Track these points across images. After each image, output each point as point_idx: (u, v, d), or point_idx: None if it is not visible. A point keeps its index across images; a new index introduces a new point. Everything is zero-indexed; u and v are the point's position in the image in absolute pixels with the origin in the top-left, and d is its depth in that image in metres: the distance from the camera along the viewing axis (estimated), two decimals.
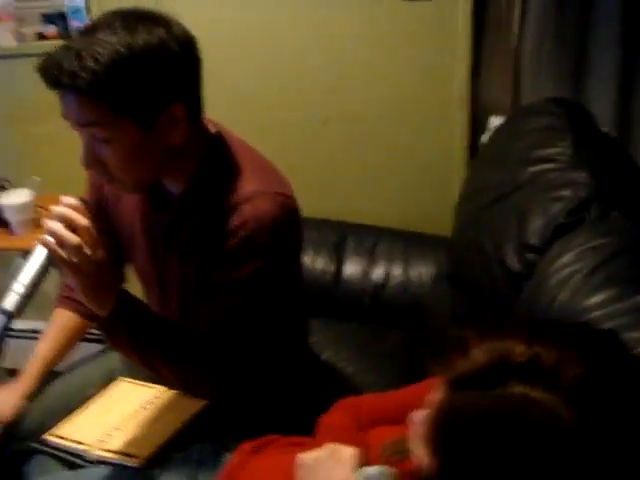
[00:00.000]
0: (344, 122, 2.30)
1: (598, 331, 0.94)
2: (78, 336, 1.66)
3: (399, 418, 1.18)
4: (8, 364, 2.23)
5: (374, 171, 2.34)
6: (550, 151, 1.60)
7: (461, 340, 0.87)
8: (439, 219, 2.29)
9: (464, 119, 2.23)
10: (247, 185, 1.31)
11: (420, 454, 0.90)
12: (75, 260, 1.18)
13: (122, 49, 1.17)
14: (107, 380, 1.61)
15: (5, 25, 2.39)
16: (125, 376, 1.62)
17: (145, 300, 1.53)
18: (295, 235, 1.39)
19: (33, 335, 2.58)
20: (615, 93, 2.08)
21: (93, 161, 1.26)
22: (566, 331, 0.87)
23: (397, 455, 1.03)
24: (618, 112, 2.08)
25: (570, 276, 1.19)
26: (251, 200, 1.28)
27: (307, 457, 1.05)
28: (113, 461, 1.39)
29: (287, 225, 1.32)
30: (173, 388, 1.55)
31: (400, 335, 1.97)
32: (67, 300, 1.65)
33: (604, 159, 1.58)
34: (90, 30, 1.21)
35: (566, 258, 1.23)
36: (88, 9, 2.34)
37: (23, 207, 2.04)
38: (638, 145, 2.06)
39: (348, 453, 1.02)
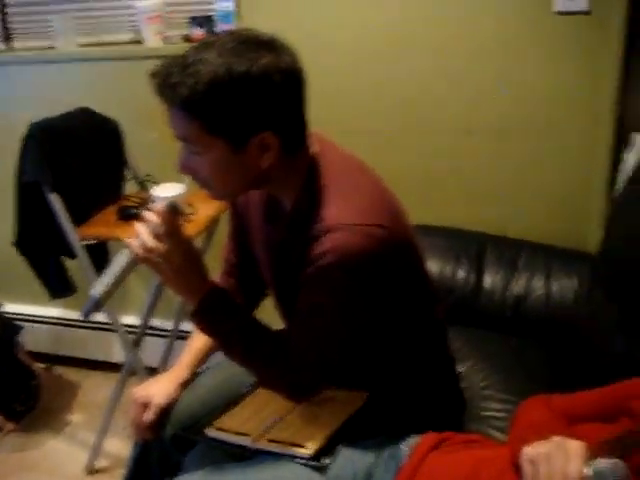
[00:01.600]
0: (487, 134, 2.28)
1: None
2: None
3: (602, 415, 1.17)
4: (148, 362, 2.30)
5: (515, 185, 2.32)
6: None
7: None
8: (579, 235, 2.28)
9: (609, 135, 2.20)
10: (332, 215, 1.30)
11: None
12: (154, 260, 1.32)
13: (223, 71, 1.20)
14: None
15: (153, 27, 2.47)
16: None
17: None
18: (388, 265, 1.34)
19: (167, 334, 2.66)
20: None
21: (187, 169, 1.33)
22: None
23: (620, 452, 1.01)
24: None
25: None
26: (332, 232, 1.28)
27: (535, 452, 1.02)
28: (281, 451, 1.38)
29: (371, 258, 1.29)
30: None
31: (544, 347, 1.95)
32: None
33: None
34: (203, 46, 1.25)
35: None
36: (238, 13, 2.39)
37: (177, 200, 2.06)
38: None
39: (578, 446, 1.00)
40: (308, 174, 1.36)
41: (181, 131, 1.28)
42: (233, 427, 1.47)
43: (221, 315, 1.40)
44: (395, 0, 2.27)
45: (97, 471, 2.41)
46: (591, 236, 2.23)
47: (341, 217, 1.29)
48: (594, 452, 1.00)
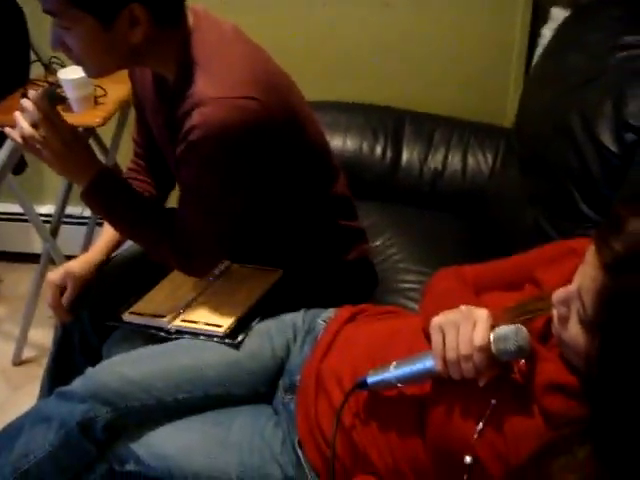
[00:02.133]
0: (403, 5, 2.23)
1: None
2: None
3: (510, 284, 1.21)
4: (69, 251, 2.26)
5: (432, 58, 2.29)
6: (636, 37, 1.59)
7: (614, 218, 0.86)
8: (494, 109, 2.28)
9: (527, 9, 2.18)
10: (199, 90, 1.30)
11: (574, 332, 0.92)
12: (37, 146, 1.36)
13: None
14: None
15: None
16: None
17: None
18: (262, 135, 1.34)
19: (86, 221, 2.61)
20: None
21: (58, 44, 1.32)
22: None
23: (522, 317, 1.05)
24: None
25: None
26: (200, 106, 1.28)
27: (442, 320, 1.04)
28: (197, 331, 1.40)
29: (242, 130, 1.29)
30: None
31: (460, 221, 1.99)
32: (134, 181, 1.65)
33: None
34: None
35: None
36: None
37: (82, 82, 1.99)
38: None
39: (483, 314, 1.02)
40: (182, 49, 1.34)
41: (48, 4, 1.26)
42: (149, 310, 1.48)
43: (108, 195, 1.44)
44: None
45: (24, 362, 2.41)
46: (509, 111, 2.25)
47: (209, 91, 1.29)
48: (498, 318, 1.04)
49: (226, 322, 1.41)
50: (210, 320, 1.42)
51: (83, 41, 1.29)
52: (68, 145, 1.38)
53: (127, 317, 1.47)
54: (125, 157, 1.77)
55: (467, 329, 1.01)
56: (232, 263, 1.60)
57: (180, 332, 1.42)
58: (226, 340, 1.37)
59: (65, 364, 1.62)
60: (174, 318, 1.44)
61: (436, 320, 1.05)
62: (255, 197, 1.42)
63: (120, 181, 1.50)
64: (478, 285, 1.24)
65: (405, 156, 2.11)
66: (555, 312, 0.97)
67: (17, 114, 1.37)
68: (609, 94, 1.46)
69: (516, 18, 2.20)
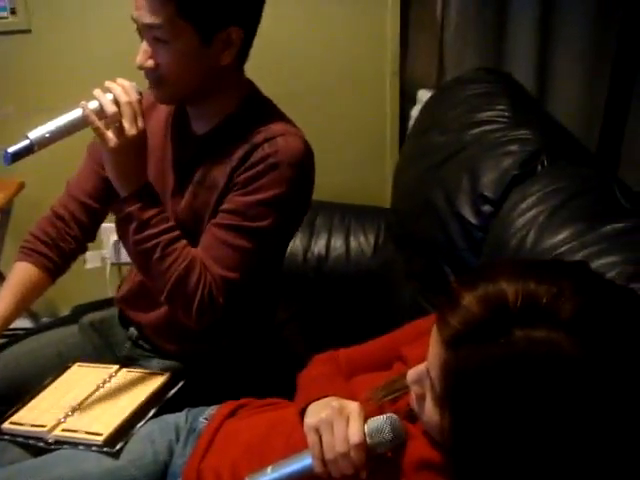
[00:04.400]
0: (276, 99, 2.29)
1: (570, 263, 0.96)
2: (38, 292, 1.60)
3: (381, 364, 1.21)
4: None
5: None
6: (490, 114, 1.69)
7: (448, 293, 0.87)
8: (373, 192, 2.35)
9: (395, 93, 2.28)
10: (280, 125, 1.40)
11: (429, 409, 0.93)
12: (108, 128, 1.32)
13: None
14: (61, 364, 1.57)
15: None
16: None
17: None
18: (311, 180, 1.46)
19: None
20: (534, 59, 2.22)
21: (147, 58, 1.34)
22: (548, 266, 0.88)
23: (389, 398, 1.06)
24: (536, 77, 2.24)
25: (534, 218, 1.25)
26: (284, 135, 1.38)
27: (316, 420, 1.03)
28: (76, 440, 1.35)
29: (310, 167, 1.42)
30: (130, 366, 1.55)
31: (346, 304, 2.00)
32: (30, 252, 1.58)
33: (539, 118, 1.68)
34: None
35: (526, 203, 1.31)
36: None
37: None
38: (555, 103, 2.24)
39: (355, 408, 1.02)
40: (252, 88, 1.47)
41: (153, 16, 1.30)
42: (29, 419, 1.42)
43: (152, 206, 1.38)
44: None
45: None
46: (387, 192, 2.31)
47: (288, 127, 1.41)
48: (368, 405, 1.04)
49: (106, 430, 1.35)
50: (90, 428, 1.37)
51: (178, 54, 1.32)
52: (136, 142, 1.34)
53: (6, 427, 1.41)
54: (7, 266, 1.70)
55: (341, 427, 1.00)
56: (121, 367, 1.55)
57: (59, 442, 1.36)
58: (104, 449, 1.32)
59: None
60: (54, 427, 1.38)
61: (310, 421, 1.05)
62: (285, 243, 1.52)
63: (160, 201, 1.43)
64: (352, 367, 1.24)
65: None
66: (412, 392, 0.97)
67: (98, 91, 1.34)
68: (465, 169, 1.53)
69: (386, 103, 2.30)
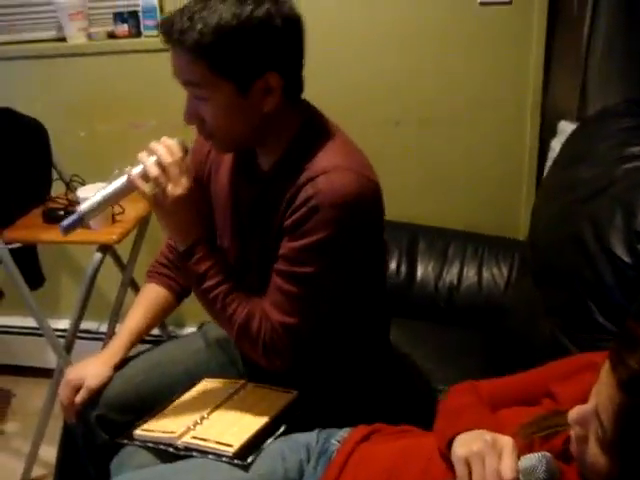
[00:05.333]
0: (416, 124, 2.30)
1: None
2: (166, 311, 1.67)
3: (526, 399, 1.18)
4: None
5: (444, 174, 2.34)
6: None
7: (627, 334, 0.84)
8: (508, 223, 2.31)
9: (535, 124, 2.23)
10: (327, 159, 1.35)
11: (593, 453, 0.89)
12: (154, 191, 1.36)
13: (229, 16, 1.27)
14: (188, 380, 1.60)
15: (77, 24, 2.42)
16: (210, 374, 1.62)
17: None
18: (370, 217, 1.40)
19: (99, 336, 2.60)
20: None
21: (193, 117, 1.36)
22: None
23: (539, 435, 1.02)
24: None
25: None
26: (327, 173, 1.32)
27: (466, 451, 1.01)
28: (206, 449, 1.36)
29: (361, 204, 1.33)
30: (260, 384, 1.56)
31: (477, 335, 1.97)
32: (157, 275, 1.67)
33: None
34: None
35: None
36: (161, 8, 2.35)
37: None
38: None
39: (509, 443, 1.00)
40: (305, 122, 1.41)
41: (188, 75, 1.32)
42: (159, 426, 1.45)
43: (207, 265, 1.42)
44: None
45: None
46: (522, 224, 2.27)
47: (334, 161, 1.34)
48: (520, 440, 1.01)
49: (237, 442, 1.36)
50: (221, 439, 1.38)
51: (220, 108, 1.33)
52: (183, 200, 1.37)
53: (138, 434, 1.44)
54: (142, 274, 1.77)
55: (493, 462, 0.98)
56: (248, 382, 1.57)
57: (189, 449, 1.38)
58: (235, 461, 1.33)
59: (71, 469, 1.60)
60: (184, 434, 1.41)
61: (460, 452, 1.02)
62: (347, 282, 1.42)
63: (217, 252, 1.47)
64: (494, 400, 1.22)
65: (420, 271, 2.13)
66: (572, 432, 0.93)
67: (143, 154, 1.38)
68: (619, 205, 1.47)
69: (525, 134, 2.26)
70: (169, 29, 1.30)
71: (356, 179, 1.32)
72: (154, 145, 1.38)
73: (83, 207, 1.39)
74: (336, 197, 1.30)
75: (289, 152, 1.40)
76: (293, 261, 1.36)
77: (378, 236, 1.49)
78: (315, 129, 1.41)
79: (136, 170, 1.38)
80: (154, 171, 1.36)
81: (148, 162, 1.37)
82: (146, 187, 1.37)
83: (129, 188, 1.39)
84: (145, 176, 1.37)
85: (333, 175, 1.31)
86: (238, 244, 1.52)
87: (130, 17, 2.37)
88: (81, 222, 1.40)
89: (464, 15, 2.19)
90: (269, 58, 1.31)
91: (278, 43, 1.32)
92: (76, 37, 2.44)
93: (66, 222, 1.40)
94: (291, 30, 1.33)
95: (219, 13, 1.27)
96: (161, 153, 1.37)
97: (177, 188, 1.36)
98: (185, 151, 1.40)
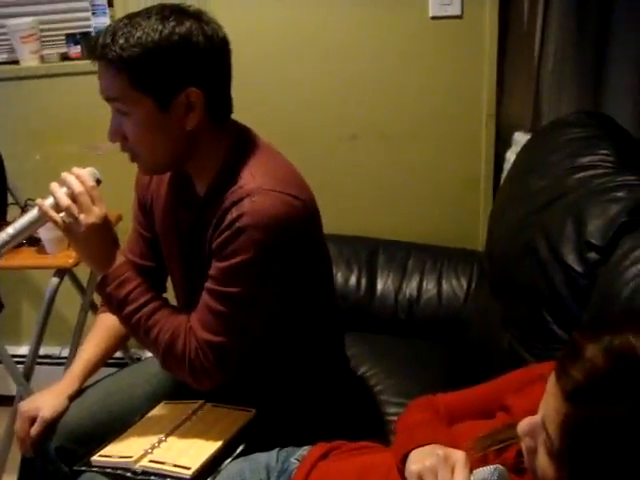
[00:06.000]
0: (372, 138, 2.31)
1: None
2: (123, 338, 1.67)
3: (483, 412, 1.18)
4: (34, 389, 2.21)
5: (401, 188, 2.35)
6: (593, 158, 1.65)
7: (572, 345, 0.84)
8: (467, 234, 2.32)
9: (490, 135, 2.25)
10: (253, 181, 1.35)
11: (542, 463, 0.89)
12: (67, 220, 1.36)
13: (151, 32, 1.30)
14: (149, 402, 1.60)
15: (29, 46, 2.39)
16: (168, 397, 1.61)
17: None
18: (299, 235, 1.39)
19: (61, 361, 2.56)
20: (631, 106, 2.15)
21: (116, 134, 1.37)
22: None
23: (494, 448, 1.03)
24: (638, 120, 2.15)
25: None
26: (250, 195, 1.33)
27: (420, 467, 1.01)
28: (164, 472, 1.36)
29: (286, 224, 1.34)
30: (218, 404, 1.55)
31: (437, 347, 1.98)
32: None
33: None
34: (131, 15, 1.35)
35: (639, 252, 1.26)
36: None
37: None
38: None
39: (461, 457, 1.00)
40: (235, 144, 1.42)
41: (111, 89, 1.33)
42: (116, 451, 1.44)
43: (128, 289, 1.42)
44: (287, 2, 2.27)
45: None
46: (481, 235, 2.28)
47: (259, 183, 1.34)
48: (472, 453, 1.02)
49: (194, 464, 1.36)
50: (178, 461, 1.37)
51: (141, 125, 1.34)
52: (97, 227, 1.37)
53: (95, 460, 1.43)
54: None
55: (447, 476, 0.98)
56: (206, 402, 1.56)
57: (147, 473, 1.37)
58: None
59: None
60: (141, 458, 1.40)
61: (413, 468, 1.03)
62: (279, 301, 1.42)
63: (138, 275, 1.46)
64: (451, 414, 1.22)
65: (380, 285, 2.13)
66: (522, 443, 0.94)
67: (55, 185, 1.38)
68: (570, 215, 1.49)
69: (481, 145, 2.28)
70: (94, 45, 1.32)
71: (281, 200, 1.33)
72: (65, 175, 1.39)
73: None
74: (259, 219, 1.31)
75: (220, 175, 1.41)
76: (220, 281, 1.37)
77: (314, 252, 1.49)
78: (244, 150, 1.42)
79: (48, 201, 1.38)
80: (65, 201, 1.36)
81: (59, 193, 1.37)
82: (58, 217, 1.37)
83: (43, 219, 1.39)
84: (57, 207, 1.37)
85: (257, 197, 1.32)
86: (183, 267, 1.54)
87: (83, 38, 2.35)
88: None
89: (416, 29, 2.21)
90: (189, 74, 1.33)
91: (199, 60, 1.33)
92: (28, 59, 2.42)
93: None
94: (213, 48, 1.35)
95: (142, 29, 1.30)
96: (72, 183, 1.37)
97: (89, 217, 1.36)
98: (97, 180, 1.40)
